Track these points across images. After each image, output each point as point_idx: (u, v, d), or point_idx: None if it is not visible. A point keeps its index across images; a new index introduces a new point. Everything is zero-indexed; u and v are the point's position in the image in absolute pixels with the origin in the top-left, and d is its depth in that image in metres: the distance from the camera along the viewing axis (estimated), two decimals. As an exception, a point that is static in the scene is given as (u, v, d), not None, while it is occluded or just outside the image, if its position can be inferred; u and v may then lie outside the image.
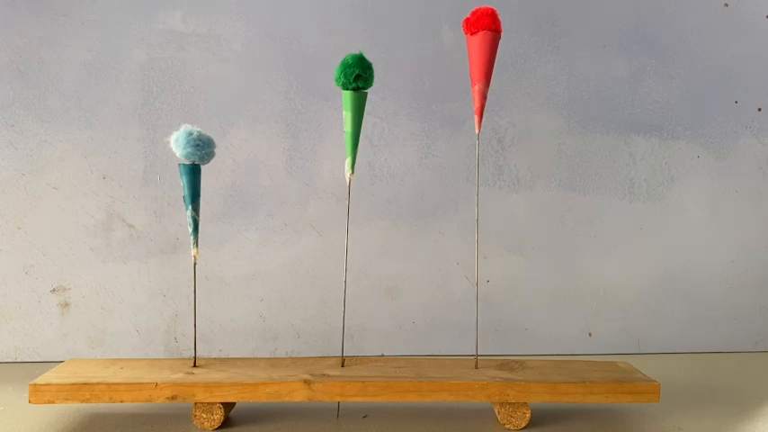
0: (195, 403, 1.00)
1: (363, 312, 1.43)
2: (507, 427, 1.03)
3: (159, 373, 1.03)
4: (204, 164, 1.05)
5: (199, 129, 1.03)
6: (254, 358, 1.22)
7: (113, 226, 1.38)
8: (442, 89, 1.43)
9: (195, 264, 1.09)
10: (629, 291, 1.48)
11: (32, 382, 0.99)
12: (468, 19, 1.05)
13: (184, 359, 1.13)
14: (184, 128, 1.03)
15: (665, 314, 1.49)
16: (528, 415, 1.02)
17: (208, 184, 1.30)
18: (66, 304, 1.38)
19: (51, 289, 1.37)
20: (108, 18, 1.37)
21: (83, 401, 0.98)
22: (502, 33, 1.05)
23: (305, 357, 1.27)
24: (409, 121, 1.43)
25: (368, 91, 1.06)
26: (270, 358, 1.20)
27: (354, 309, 1.39)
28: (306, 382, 1.00)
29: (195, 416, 1.01)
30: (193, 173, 1.04)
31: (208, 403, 1.00)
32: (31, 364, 1.36)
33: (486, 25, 1.03)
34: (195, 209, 1.05)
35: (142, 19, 1.37)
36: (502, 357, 1.23)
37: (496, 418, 1.05)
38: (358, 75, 1.02)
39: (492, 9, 1.04)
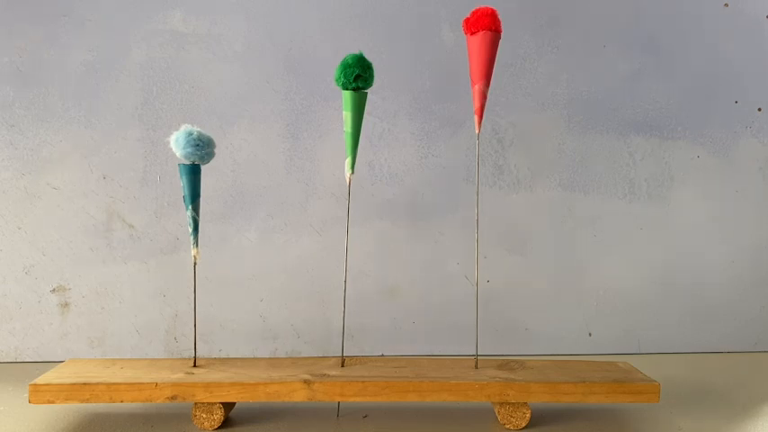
0: (195, 403, 1.00)
1: (363, 312, 1.43)
2: (507, 427, 1.03)
3: (159, 373, 1.03)
4: (204, 164, 1.05)
5: (199, 129, 1.03)
6: (254, 358, 1.22)
7: (113, 226, 1.38)
8: (442, 89, 1.43)
9: (195, 264, 1.09)
10: (629, 291, 1.48)
11: (32, 382, 0.99)
12: (468, 19, 1.05)
13: (184, 359, 1.13)
14: (184, 128, 1.03)
15: (665, 314, 1.49)
16: (528, 415, 1.02)
17: (208, 184, 1.30)
18: (66, 304, 1.38)
19: (51, 289, 1.37)
20: (108, 18, 1.37)
21: (83, 401, 0.98)
22: (502, 33, 1.05)
23: (305, 357, 1.27)
24: (409, 121, 1.43)
25: (368, 91, 1.06)
26: (270, 358, 1.20)
27: (354, 309, 1.38)
28: (306, 382, 1.00)
29: (195, 416, 1.01)
30: (193, 173, 1.04)
31: (208, 403, 1.00)
32: (31, 364, 1.36)
33: (486, 25, 1.03)
34: (195, 209, 1.05)
35: (142, 19, 1.37)
36: (502, 357, 1.22)
37: (496, 418, 1.05)
38: (358, 75, 1.02)
39: (492, 9, 1.04)
